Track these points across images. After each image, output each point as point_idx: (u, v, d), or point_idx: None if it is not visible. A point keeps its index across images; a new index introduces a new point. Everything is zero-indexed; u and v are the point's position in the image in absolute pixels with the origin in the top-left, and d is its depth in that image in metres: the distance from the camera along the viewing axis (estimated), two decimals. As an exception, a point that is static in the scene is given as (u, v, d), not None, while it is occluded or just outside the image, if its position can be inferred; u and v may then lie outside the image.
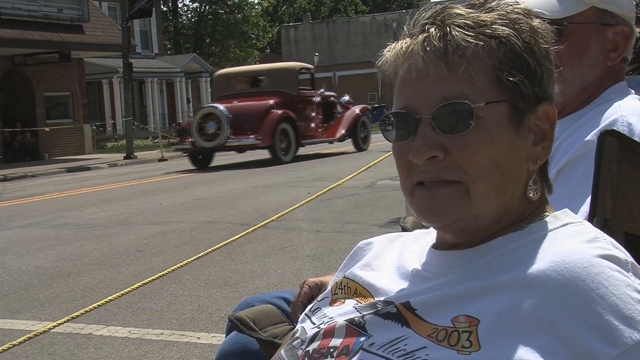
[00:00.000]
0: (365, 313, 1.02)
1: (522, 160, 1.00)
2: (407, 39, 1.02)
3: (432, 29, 0.98)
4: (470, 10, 1.00)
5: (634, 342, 0.84)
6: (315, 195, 6.13)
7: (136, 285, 3.95)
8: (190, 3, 71.92)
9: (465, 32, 0.96)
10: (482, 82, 0.96)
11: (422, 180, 0.99)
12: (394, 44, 1.04)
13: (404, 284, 1.05)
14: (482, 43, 0.96)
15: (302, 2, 65.16)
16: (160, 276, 4.05)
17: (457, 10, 1.00)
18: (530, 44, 0.98)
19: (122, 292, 3.86)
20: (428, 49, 0.97)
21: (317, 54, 52.22)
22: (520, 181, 1.00)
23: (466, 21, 0.98)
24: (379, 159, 7.16)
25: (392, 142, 1.02)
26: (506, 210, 0.99)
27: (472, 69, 0.95)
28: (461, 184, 0.96)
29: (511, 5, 1.01)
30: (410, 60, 0.99)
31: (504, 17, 0.99)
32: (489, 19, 0.98)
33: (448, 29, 0.97)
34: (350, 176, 6.87)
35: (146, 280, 3.98)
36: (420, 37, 0.99)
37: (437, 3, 1.11)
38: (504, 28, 0.97)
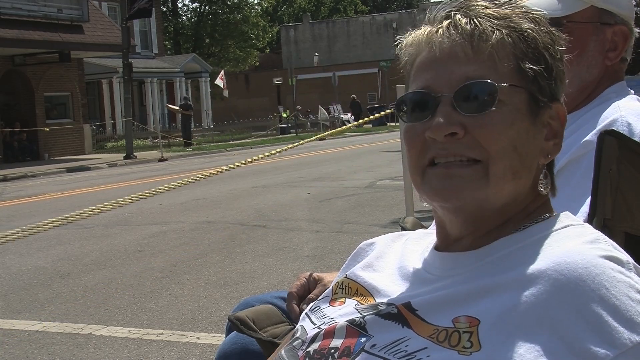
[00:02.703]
0: (366, 314, 1.02)
1: (536, 151, 1.01)
2: (429, 27, 1.03)
3: (458, 16, 1.00)
4: (492, 5, 1.03)
5: (633, 343, 0.83)
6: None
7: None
8: (190, 3, 72.00)
9: (491, 21, 0.99)
10: (505, 68, 0.98)
11: (436, 159, 0.98)
12: (413, 31, 1.06)
13: (405, 286, 1.05)
14: (507, 31, 0.98)
15: (302, 2, 65.15)
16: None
17: (480, 2, 1.02)
18: (547, 44, 1.01)
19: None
20: (454, 31, 0.99)
21: (316, 54, 52.24)
22: (531, 172, 1.01)
23: (491, 12, 1.00)
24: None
25: (407, 123, 1.03)
26: (515, 198, 1.00)
27: (496, 54, 0.97)
28: (481, 163, 0.97)
29: (529, 7, 1.04)
30: (434, 42, 1.00)
31: (524, 13, 1.02)
32: (510, 12, 1.01)
33: (473, 15, 1.00)
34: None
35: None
36: (445, 22, 1.01)
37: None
38: (524, 21, 1.01)
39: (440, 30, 1.00)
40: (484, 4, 1.02)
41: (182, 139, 29.03)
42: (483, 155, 0.96)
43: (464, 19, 0.99)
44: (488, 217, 0.99)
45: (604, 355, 0.83)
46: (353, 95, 42.00)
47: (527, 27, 1.00)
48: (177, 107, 29.75)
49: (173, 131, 32.71)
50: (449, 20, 1.00)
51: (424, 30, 1.04)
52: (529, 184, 1.02)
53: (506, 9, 1.02)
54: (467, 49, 0.98)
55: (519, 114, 0.98)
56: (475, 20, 0.99)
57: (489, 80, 0.96)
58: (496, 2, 1.03)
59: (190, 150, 26.54)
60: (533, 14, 1.03)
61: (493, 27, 0.98)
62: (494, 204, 0.98)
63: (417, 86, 1.02)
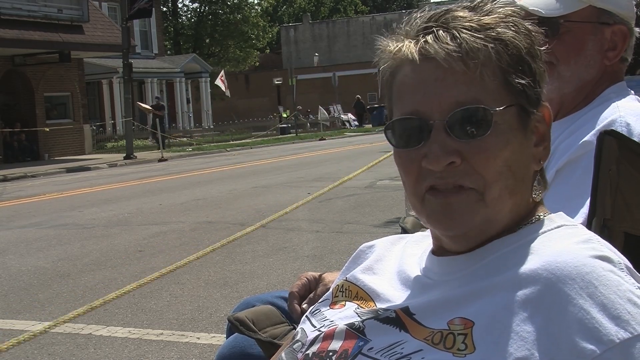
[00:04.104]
0: (365, 318, 1.02)
1: (528, 161, 1.00)
2: (408, 41, 0.99)
3: (440, 31, 0.96)
4: (470, 13, 0.99)
5: (620, 340, 0.84)
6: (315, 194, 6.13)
7: (134, 285, 3.95)
8: (190, 3, 71.97)
9: (474, 35, 0.95)
10: (494, 85, 0.95)
11: (434, 185, 0.97)
12: (391, 45, 1.02)
13: (404, 290, 1.05)
14: (491, 45, 0.95)
15: (302, 2, 65.11)
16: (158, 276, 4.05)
17: (458, 13, 0.98)
18: (528, 46, 0.99)
19: (119, 292, 3.86)
20: (439, 48, 0.94)
21: (316, 54, 52.22)
22: (527, 182, 1.01)
23: (471, 24, 0.96)
24: (380, 159, 7.17)
25: (399, 149, 0.99)
26: (517, 212, 1.00)
27: (484, 72, 0.94)
28: (476, 190, 0.95)
29: (505, 6, 1.01)
30: (418, 60, 0.96)
31: (504, 20, 0.99)
32: (491, 22, 0.98)
33: (455, 31, 0.95)
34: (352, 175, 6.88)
35: (143, 281, 3.99)
36: (429, 37, 0.96)
37: (434, 4, 1.11)
38: (506, 31, 0.97)
39: (423, 46, 0.96)
40: (463, 14, 0.98)
41: (153, 139, 27.15)
42: (479, 184, 0.95)
43: (448, 35, 0.95)
44: (489, 235, 0.99)
45: (591, 352, 0.83)
46: (358, 96, 42.01)
47: (510, 36, 0.97)
48: (148, 107, 27.84)
49: (173, 131, 32.71)
50: (431, 35, 0.96)
51: (405, 44, 0.99)
52: (527, 194, 1.01)
53: (484, 15, 0.98)
54: (454, 69, 0.94)
55: (512, 131, 0.96)
56: (459, 36, 0.95)
57: (484, 106, 0.94)
58: (474, 5, 1.00)
59: (190, 150, 26.52)
60: (511, 17, 0.99)
61: (478, 43, 0.94)
62: (494, 224, 0.98)
63: (405, 110, 0.99)
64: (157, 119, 26.19)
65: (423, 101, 0.97)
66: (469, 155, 0.95)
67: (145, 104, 28.98)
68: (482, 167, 0.95)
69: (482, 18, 0.98)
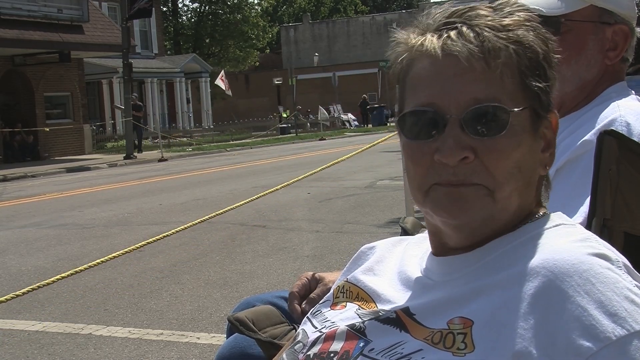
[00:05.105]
0: (366, 319, 1.02)
1: (536, 165, 1.00)
2: (430, 35, 0.99)
3: (464, 27, 0.96)
4: (492, 13, 0.99)
5: (617, 337, 0.84)
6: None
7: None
8: (190, 3, 72.03)
9: (496, 34, 0.95)
10: (512, 86, 0.95)
11: (447, 181, 0.96)
12: (412, 37, 1.01)
13: (405, 291, 1.05)
14: (512, 47, 0.95)
15: (302, 2, 65.12)
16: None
17: (481, 11, 0.99)
18: (545, 52, 0.99)
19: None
20: (461, 44, 0.94)
21: (316, 54, 52.22)
22: (533, 185, 1.01)
23: (493, 23, 0.96)
24: (370, 145, 7.17)
25: (411, 141, 0.99)
26: (520, 213, 1.00)
27: (504, 72, 0.95)
28: (485, 187, 0.95)
29: (524, 11, 1.01)
30: (438, 53, 0.96)
31: (524, 23, 0.99)
32: (512, 23, 0.97)
33: (478, 29, 0.96)
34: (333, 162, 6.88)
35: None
36: (452, 33, 0.96)
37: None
38: (526, 34, 0.97)
39: (446, 42, 0.96)
40: (485, 12, 0.98)
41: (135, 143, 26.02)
42: (489, 182, 0.95)
43: (471, 32, 0.95)
44: (490, 231, 0.99)
45: (588, 349, 0.83)
46: (364, 95, 42.09)
47: (530, 39, 0.97)
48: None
49: (173, 131, 32.71)
50: (454, 30, 0.96)
51: (428, 38, 0.99)
52: (531, 198, 1.02)
53: (505, 16, 0.98)
54: (475, 66, 0.94)
55: (524, 133, 0.97)
56: (482, 34, 0.95)
57: (502, 105, 0.94)
58: (494, 5, 1.00)
59: (190, 150, 26.50)
60: (530, 21, 0.99)
61: (500, 43, 0.95)
62: (498, 221, 0.98)
63: (419, 101, 0.98)
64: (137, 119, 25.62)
65: (440, 95, 0.96)
66: (482, 152, 0.95)
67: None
68: (494, 166, 0.95)
69: (503, 19, 0.98)
